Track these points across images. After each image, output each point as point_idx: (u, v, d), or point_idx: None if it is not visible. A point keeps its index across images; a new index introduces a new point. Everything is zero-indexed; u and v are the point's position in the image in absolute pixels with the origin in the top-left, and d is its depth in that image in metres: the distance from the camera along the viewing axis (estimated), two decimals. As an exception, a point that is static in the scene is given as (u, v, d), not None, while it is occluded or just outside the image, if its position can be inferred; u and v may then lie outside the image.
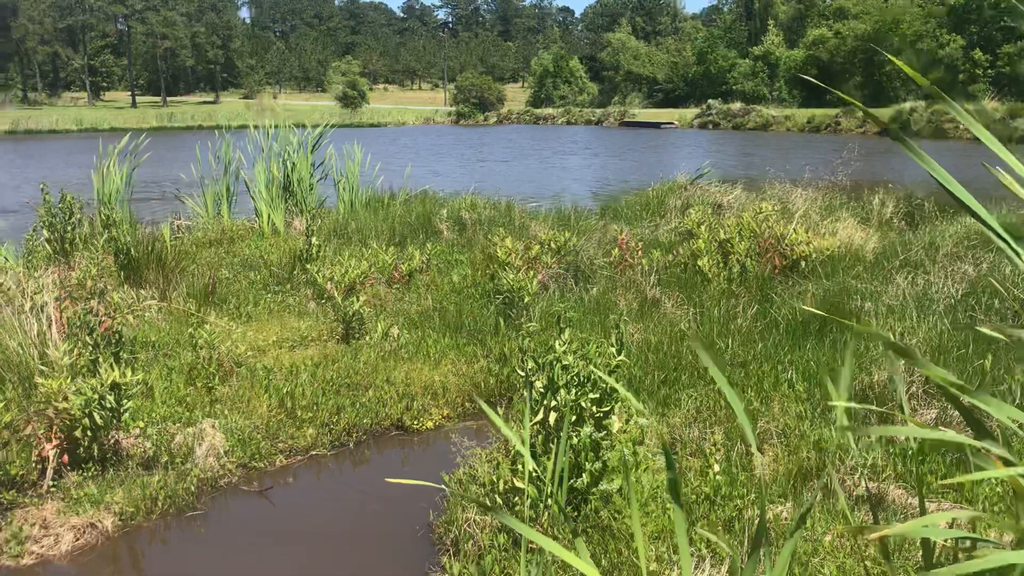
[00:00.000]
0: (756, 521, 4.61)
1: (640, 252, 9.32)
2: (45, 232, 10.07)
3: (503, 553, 4.41)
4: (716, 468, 5.13)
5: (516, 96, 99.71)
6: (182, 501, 5.44)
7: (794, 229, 8.92)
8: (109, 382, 5.54)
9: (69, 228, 10.14)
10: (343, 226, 12.76)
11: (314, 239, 10.23)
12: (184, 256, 10.94)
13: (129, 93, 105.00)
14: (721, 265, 8.71)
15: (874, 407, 2.26)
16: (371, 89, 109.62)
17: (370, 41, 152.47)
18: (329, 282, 9.08)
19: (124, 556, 4.98)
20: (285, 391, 6.65)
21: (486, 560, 4.35)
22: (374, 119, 77.40)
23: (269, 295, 9.57)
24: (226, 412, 6.45)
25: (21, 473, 5.43)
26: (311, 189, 14.37)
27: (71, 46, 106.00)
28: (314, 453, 6.24)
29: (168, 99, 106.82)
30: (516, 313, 8.14)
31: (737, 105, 65.67)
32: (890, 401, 6.00)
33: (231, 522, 5.38)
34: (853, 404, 1.80)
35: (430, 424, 6.66)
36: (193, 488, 5.56)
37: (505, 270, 8.61)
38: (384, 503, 5.61)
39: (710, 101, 67.27)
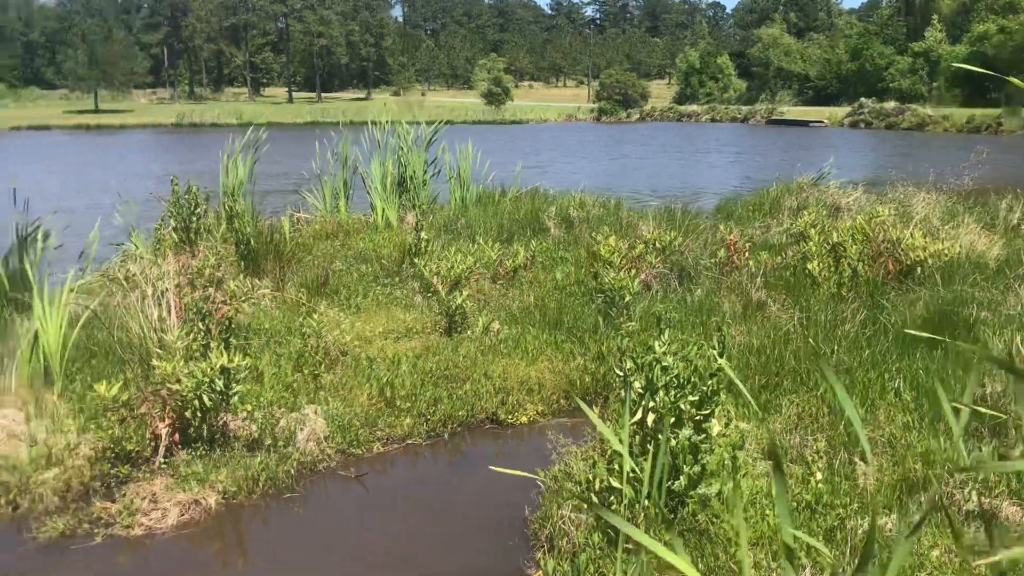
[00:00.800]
0: (858, 531, 4.48)
1: (747, 253, 9.13)
2: (172, 222, 10.63)
3: (598, 552, 4.42)
4: (819, 476, 5.01)
5: (661, 93, 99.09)
6: (282, 483, 5.68)
7: (910, 234, 8.56)
8: (218, 366, 5.82)
9: (194, 219, 10.67)
10: (453, 222, 12.97)
11: (423, 234, 10.44)
12: (301, 248, 11.36)
13: (287, 89, 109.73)
14: (832, 269, 8.44)
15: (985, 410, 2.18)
16: (516, 86, 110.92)
17: (517, 38, 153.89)
18: (435, 276, 9.26)
19: (225, 532, 5.23)
20: (385, 381, 6.83)
21: (581, 558, 4.37)
22: (516, 116, 78.39)
23: (378, 287, 9.83)
24: (328, 399, 6.68)
25: (136, 449, 5.77)
26: (424, 185, 14.66)
27: (235, 44, 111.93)
28: (410, 442, 6.39)
29: (323, 95, 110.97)
30: (616, 312, 8.12)
31: (891, 104, 63.31)
32: (1005, 413, 5.71)
33: (327, 505, 5.58)
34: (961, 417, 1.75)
35: (524, 419, 6.73)
36: (293, 471, 5.79)
37: (607, 268, 8.59)
38: (478, 495, 5.69)
39: (862, 99, 65.07)
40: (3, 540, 5.05)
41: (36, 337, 6.66)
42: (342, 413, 6.45)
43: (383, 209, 13.36)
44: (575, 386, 7.05)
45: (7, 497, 5.37)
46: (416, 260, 9.84)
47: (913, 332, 4.90)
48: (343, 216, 13.87)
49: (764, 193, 14.69)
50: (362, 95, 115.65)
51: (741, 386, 2.28)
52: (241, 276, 9.93)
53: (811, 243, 8.80)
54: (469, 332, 8.17)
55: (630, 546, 4.00)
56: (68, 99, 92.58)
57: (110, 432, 5.77)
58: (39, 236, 8.47)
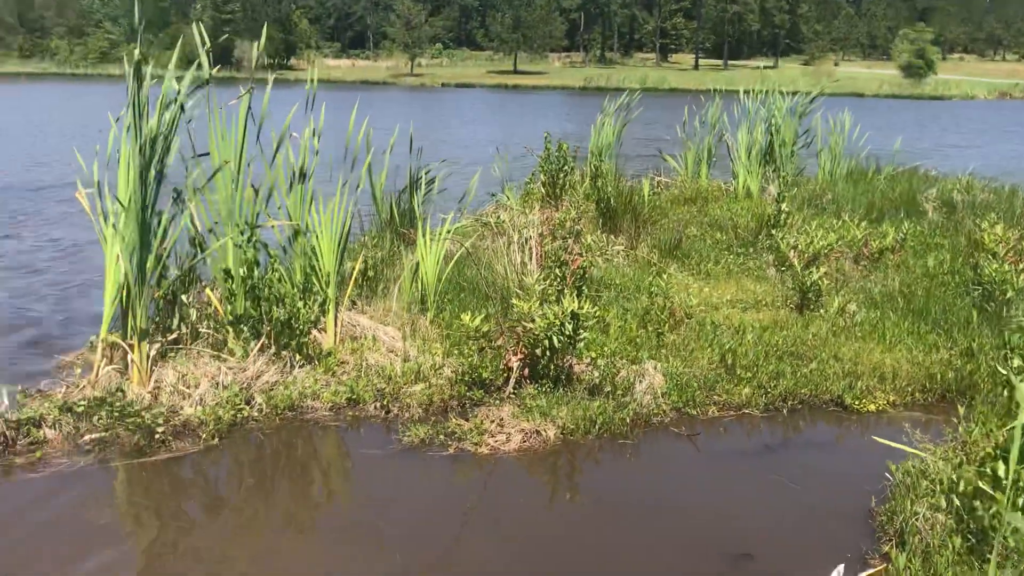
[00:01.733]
0: None
1: None
2: (541, 176, 11.29)
3: (956, 556, 4.11)
4: None
5: None
6: (616, 428, 5.88)
7: None
8: (569, 311, 6.14)
9: (561, 175, 11.23)
10: (818, 196, 12.41)
11: (783, 205, 10.12)
12: (657, 211, 11.54)
13: (693, 55, 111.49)
14: None
15: None
16: (943, 59, 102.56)
17: (952, 6, 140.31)
18: (792, 250, 8.96)
19: (560, 464, 5.55)
20: (728, 347, 6.78)
21: (938, 560, 4.09)
22: (937, 91, 73.21)
23: (731, 256, 9.72)
24: (669, 357, 6.78)
25: (490, 378, 6.28)
26: (791, 156, 14.15)
27: (647, 9, 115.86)
28: (746, 411, 6.30)
29: (729, 62, 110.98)
30: (995, 308, 7.31)
31: None
32: None
33: (658, 457, 5.69)
34: None
35: (872, 407, 6.33)
36: (628, 419, 5.97)
37: (988, 259, 7.74)
38: (815, 475, 5.48)
39: None
40: (375, 438, 5.78)
41: (416, 268, 7.46)
42: (681, 372, 6.51)
43: (744, 178, 13.11)
44: (935, 380, 6.49)
45: (381, 402, 6.12)
46: (773, 232, 9.57)
47: None
48: (703, 183, 13.82)
49: None
50: (770, 64, 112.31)
51: None
52: (598, 232, 10.33)
53: None
54: (822, 311, 7.82)
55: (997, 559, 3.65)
56: (492, 60, 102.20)
57: (470, 359, 6.33)
58: (426, 181, 9.42)
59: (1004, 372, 4.45)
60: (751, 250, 9.95)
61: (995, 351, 6.59)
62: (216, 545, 4.49)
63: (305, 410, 6.04)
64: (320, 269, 6.83)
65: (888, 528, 4.65)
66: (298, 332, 6.35)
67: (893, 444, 4.93)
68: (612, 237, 10.21)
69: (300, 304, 6.31)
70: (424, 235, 7.44)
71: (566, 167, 11.44)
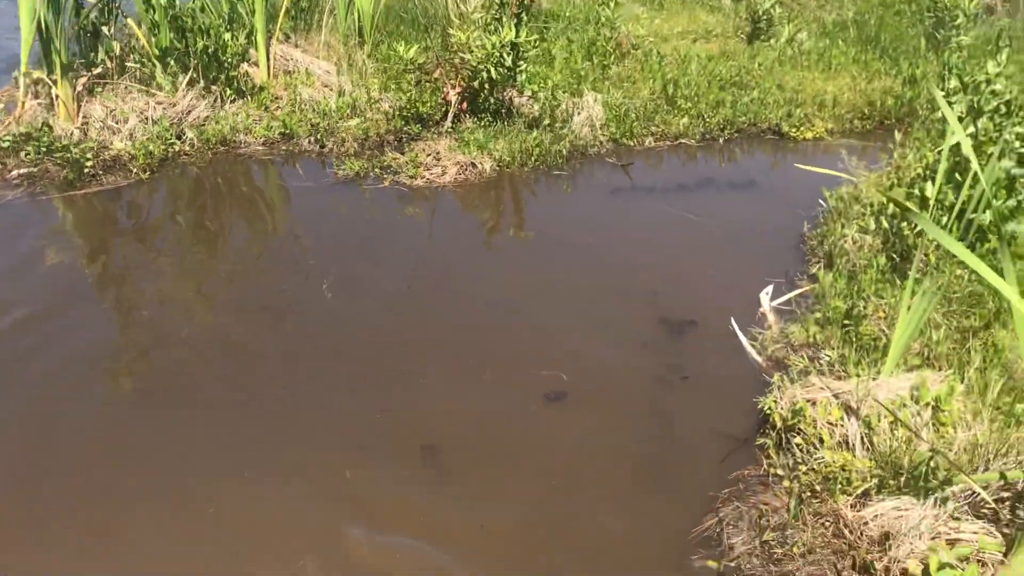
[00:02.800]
0: None
1: None
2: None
3: (880, 275, 4.26)
4: None
5: None
6: (552, 160, 5.90)
7: None
8: (506, 40, 5.95)
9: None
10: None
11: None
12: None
13: None
14: None
15: None
16: None
17: None
18: (748, -23, 8.60)
19: (493, 195, 5.61)
20: (670, 78, 6.67)
21: (862, 278, 4.24)
22: None
23: (689, -15, 9.34)
24: (612, 89, 6.68)
25: (428, 112, 6.18)
26: None
27: None
28: (683, 141, 6.32)
29: None
30: (944, 35, 7.18)
31: None
32: None
33: (590, 187, 5.75)
34: None
35: (809, 135, 6.36)
36: (565, 151, 5.98)
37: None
38: (747, 204, 5.55)
39: None
40: (311, 172, 5.77)
41: (352, -2, 7.12)
42: (622, 103, 6.44)
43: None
44: (875, 107, 6.49)
45: (315, 136, 6.05)
46: (730, -42, 9.14)
47: None
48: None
49: None
50: None
51: None
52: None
53: None
54: (772, 41, 7.65)
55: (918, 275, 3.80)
56: None
57: (408, 93, 6.21)
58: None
59: (939, 94, 4.41)
60: (709, -21, 9.54)
61: (936, 76, 6.54)
62: (151, 273, 4.57)
63: (238, 144, 5.98)
64: (247, -2, 6.50)
65: (819, 251, 4.79)
66: (227, 65, 6.15)
67: (827, 171, 5.00)
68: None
69: (226, 35, 6.07)
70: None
71: None
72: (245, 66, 6.42)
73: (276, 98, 6.37)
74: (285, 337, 3.99)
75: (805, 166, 5.06)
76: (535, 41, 6.24)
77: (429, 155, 5.85)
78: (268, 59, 6.60)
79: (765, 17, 7.72)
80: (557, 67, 6.98)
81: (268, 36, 6.63)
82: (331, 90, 6.47)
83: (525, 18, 6.43)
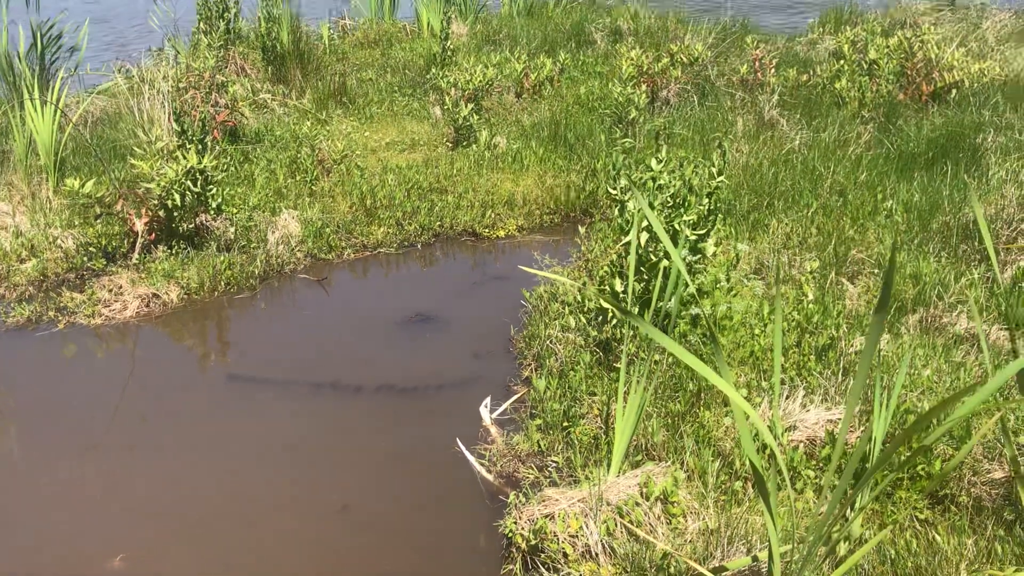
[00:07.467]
0: (850, 350, 4.33)
1: (773, 69, 8.54)
2: (200, 24, 10.52)
3: (588, 370, 4.40)
4: (810, 296, 4.81)
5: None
6: (243, 282, 5.83)
7: (950, 52, 7.80)
8: (187, 167, 5.89)
9: (220, 22, 10.53)
10: (496, 31, 12.51)
11: (448, 43, 10.11)
12: (336, 56, 11.22)
13: None
14: (859, 89, 7.83)
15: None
16: None
17: None
18: (453, 88, 9.03)
19: (176, 326, 5.45)
20: (367, 190, 6.82)
21: (572, 377, 4.36)
22: None
23: (399, 97, 9.67)
24: (312, 205, 6.73)
25: (116, 246, 5.98)
26: (475, -9, 14.07)
27: None
28: (382, 251, 6.43)
29: None
30: (622, 130, 7.81)
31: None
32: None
33: (282, 306, 5.71)
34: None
35: (501, 233, 6.66)
36: (258, 271, 5.92)
37: (615, 83, 8.19)
38: (454, 311, 5.64)
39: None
40: (-23, 322, 5.39)
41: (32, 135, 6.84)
42: (319, 219, 6.50)
43: (426, 16, 12.94)
44: (559, 202, 6.91)
45: (-18, 283, 5.69)
46: (434, 71, 9.58)
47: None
48: (388, 24, 13.52)
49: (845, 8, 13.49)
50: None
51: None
52: (267, 83, 9.93)
53: (843, 61, 8.14)
54: (474, 147, 8.02)
55: (618, 365, 3.97)
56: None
57: (94, 228, 5.97)
58: (52, 36, 8.53)
59: (613, 192, 4.69)
60: (418, 91, 9.94)
61: (612, 170, 7.06)
62: None
63: None
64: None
65: (528, 354, 4.88)
66: None
67: (528, 270, 5.21)
68: (282, 87, 9.85)
69: None
70: (37, 96, 6.80)
71: (228, 13, 10.72)
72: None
73: (-60, 246, 5.96)
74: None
75: (500, 266, 5.22)
76: (225, 165, 6.22)
77: (111, 290, 5.62)
78: (-68, 205, 6.19)
79: (466, 124, 8.09)
80: (258, 186, 6.97)
81: (-69, 181, 6.23)
82: (6, 231, 6.13)
83: (209, 142, 6.41)
